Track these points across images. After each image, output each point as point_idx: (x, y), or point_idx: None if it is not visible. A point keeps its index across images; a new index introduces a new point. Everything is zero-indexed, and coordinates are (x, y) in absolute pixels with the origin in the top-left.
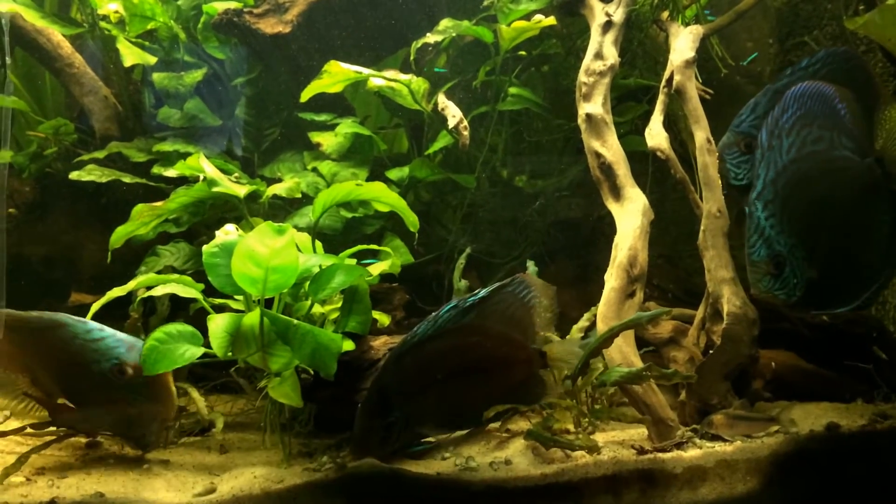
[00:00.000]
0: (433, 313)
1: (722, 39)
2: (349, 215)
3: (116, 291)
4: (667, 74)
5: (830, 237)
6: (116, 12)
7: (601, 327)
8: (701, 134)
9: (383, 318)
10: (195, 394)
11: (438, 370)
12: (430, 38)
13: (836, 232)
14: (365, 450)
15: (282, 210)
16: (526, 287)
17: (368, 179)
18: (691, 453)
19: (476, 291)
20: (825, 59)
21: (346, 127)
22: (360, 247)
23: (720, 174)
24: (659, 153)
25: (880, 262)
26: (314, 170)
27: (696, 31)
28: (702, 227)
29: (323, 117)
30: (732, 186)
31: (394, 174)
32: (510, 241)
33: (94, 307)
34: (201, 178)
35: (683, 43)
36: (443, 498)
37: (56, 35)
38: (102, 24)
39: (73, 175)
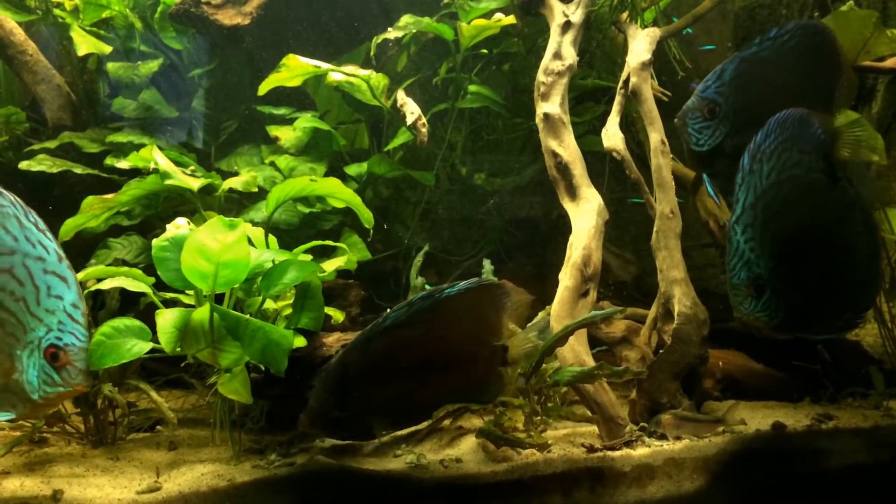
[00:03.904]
0: (407, 300)
1: (681, 42)
2: (306, 210)
3: None
4: (623, 76)
5: (811, 260)
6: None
7: (555, 326)
8: (655, 136)
9: (337, 315)
10: (150, 391)
11: (404, 359)
12: (391, 34)
13: (816, 254)
14: (315, 422)
15: (238, 204)
16: (504, 292)
17: (328, 174)
18: (640, 451)
19: (454, 283)
20: (794, 31)
21: (305, 121)
22: (315, 242)
23: (682, 139)
24: (615, 154)
25: (861, 281)
26: (272, 164)
27: (653, 33)
28: (655, 228)
29: (282, 111)
30: (693, 152)
31: (352, 170)
32: (468, 238)
33: None
34: (152, 168)
35: (640, 45)
36: (393, 496)
37: (8, 22)
38: (56, 11)
39: (23, 165)
